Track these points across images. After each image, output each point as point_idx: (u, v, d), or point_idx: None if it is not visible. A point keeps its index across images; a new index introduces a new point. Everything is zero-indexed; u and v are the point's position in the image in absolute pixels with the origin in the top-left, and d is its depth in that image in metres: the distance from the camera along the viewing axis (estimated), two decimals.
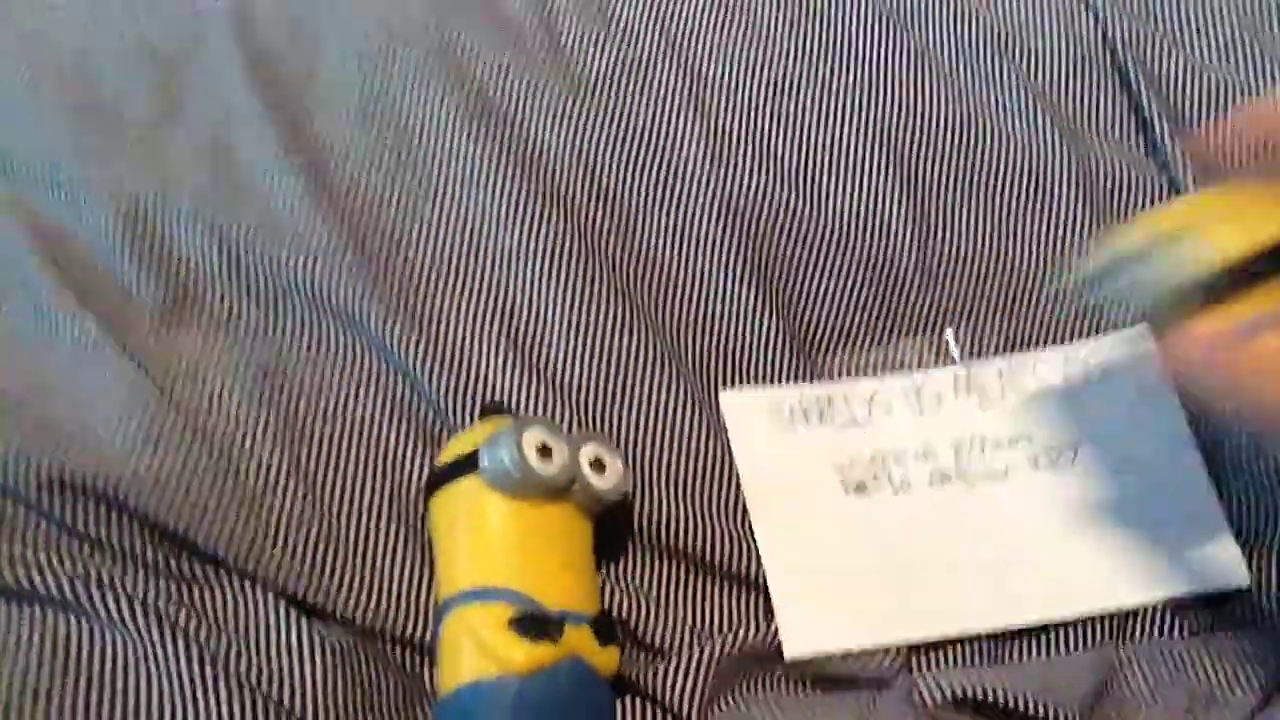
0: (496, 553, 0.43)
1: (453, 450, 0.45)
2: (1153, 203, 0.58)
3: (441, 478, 0.45)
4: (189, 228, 0.55)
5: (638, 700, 0.45)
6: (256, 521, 0.46)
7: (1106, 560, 0.49)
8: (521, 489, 0.43)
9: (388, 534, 0.48)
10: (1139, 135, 0.59)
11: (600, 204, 0.56)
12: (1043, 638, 0.48)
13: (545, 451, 0.44)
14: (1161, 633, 0.48)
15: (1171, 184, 0.57)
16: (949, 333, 0.55)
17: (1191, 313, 0.38)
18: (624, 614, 0.46)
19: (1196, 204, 0.43)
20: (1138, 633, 0.48)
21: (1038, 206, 0.57)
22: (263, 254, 0.54)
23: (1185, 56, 0.61)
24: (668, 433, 0.51)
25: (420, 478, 0.49)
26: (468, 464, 0.44)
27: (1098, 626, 0.48)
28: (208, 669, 0.42)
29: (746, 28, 0.62)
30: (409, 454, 0.49)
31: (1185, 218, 0.40)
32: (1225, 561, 0.49)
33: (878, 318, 0.55)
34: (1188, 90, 0.60)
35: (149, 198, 0.56)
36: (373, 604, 0.46)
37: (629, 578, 0.48)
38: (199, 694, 0.42)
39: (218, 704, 0.41)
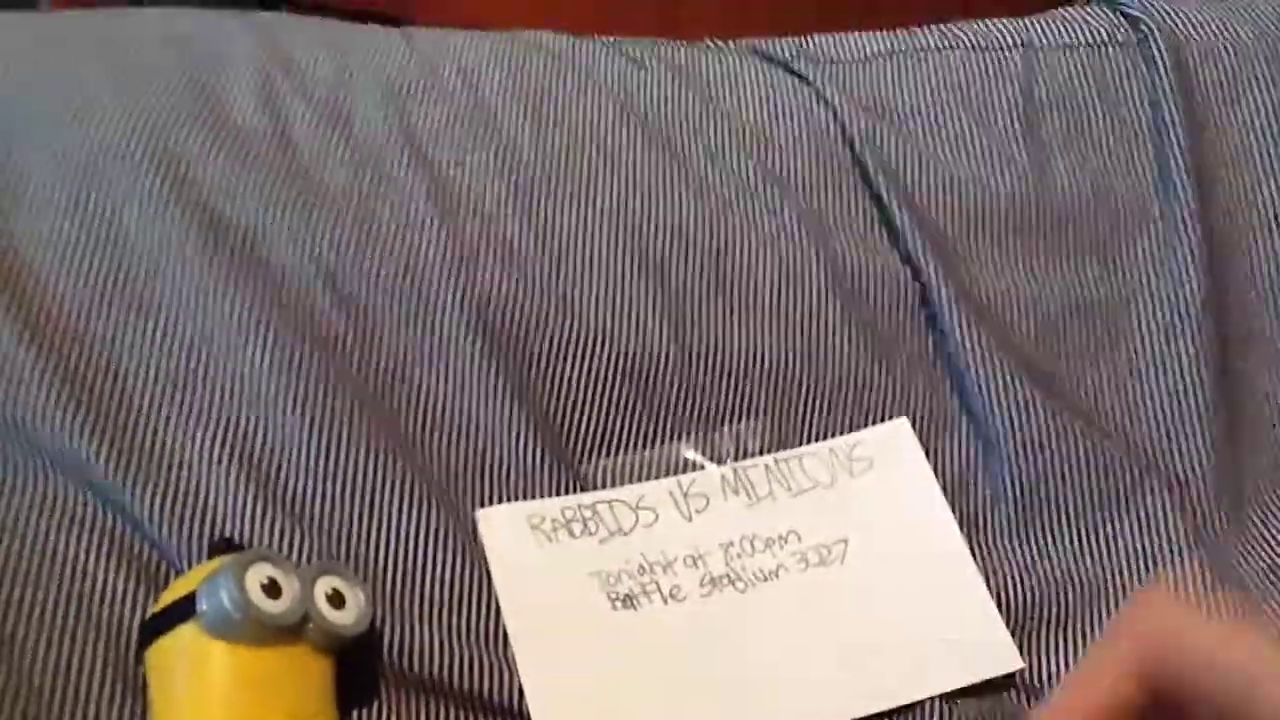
0: (217, 708, 0.38)
1: (170, 595, 0.41)
2: (901, 296, 0.58)
3: (157, 626, 0.40)
4: None
5: None
6: None
7: (880, 658, 0.48)
8: (245, 632, 0.39)
9: (101, 695, 0.42)
10: (881, 226, 0.60)
11: (342, 317, 0.53)
12: None
13: (273, 588, 0.40)
14: None
15: (915, 273, 0.58)
16: (714, 434, 0.53)
17: None
18: None
19: None
20: None
21: (790, 303, 0.57)
22: None
23: (919, 149, 0.63)
24: (419, 557, 0.47)
25: None
26: (185, 608, 0.39)
27: None
28: None
29: (491, 133, 0.61)
30: (129, 601, 0.44)
31: None
32: (996, 648, 0.49)
33: (639, 422, 0.53)
34: (923, 182, 0.62)
35: None
36: None
37: (381, 719, 0.44)
38: None
39: None
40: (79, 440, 0.47)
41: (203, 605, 0.39)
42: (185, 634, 0.39)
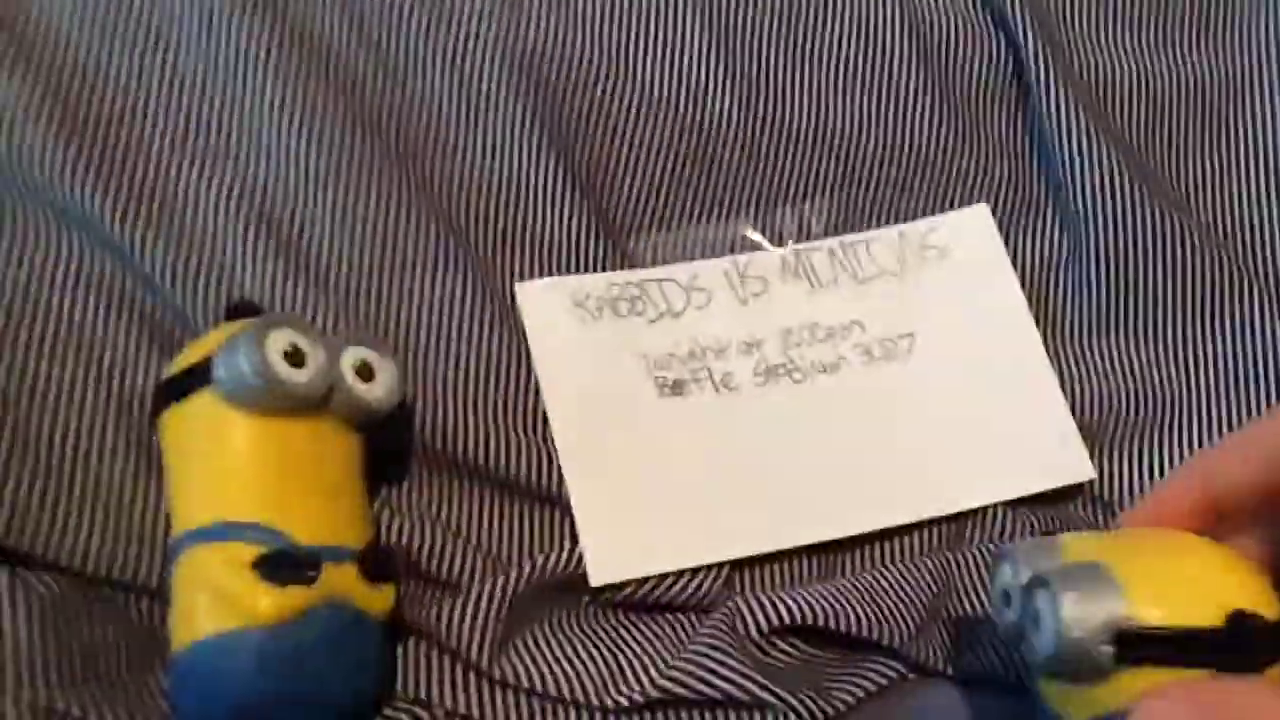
0: (236, 481, 0.35)
1: (185, 359, 0.37)
2: (990, 65, 0.53)
3: (171, 392, 0.37)
4: None
5: (423, 644, 0.39)
6: None
7: (944, 460, 0.45)
8: (266, 402, 0.36)
9: (114, 460, 0.40)
10: None
11: (370, 62, 0.48)
12: (876, 546, 0.43)
13: (295, 356, 0.36)
14: (1000, 534, 0.44)
15: (1009, 42, 0.52)
16: (776, 213, 0.49)
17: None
18: (406, 543, 0.40)
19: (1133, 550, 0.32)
20: (976, 535, 0.44)
21: (869, 71, 0.52)
22: None
23: None
24: (453, 330, 0.44)
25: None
26: (201, 374, 0.36)
27: (933, 532, 0.44)
28: None
29: None
30: (140, 363, 0.41)
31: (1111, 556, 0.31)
32: (1068, 455, 0.46)
33: (694, 194, 0.48)
34: None
35: None
36: (94, 545, 0.38)
37: (411, 500, 0.41)
38: None
39: None
40: (90, 196, 0.43)
41: (220, 372, 0.36)
42: (201, 401, 0.36)
